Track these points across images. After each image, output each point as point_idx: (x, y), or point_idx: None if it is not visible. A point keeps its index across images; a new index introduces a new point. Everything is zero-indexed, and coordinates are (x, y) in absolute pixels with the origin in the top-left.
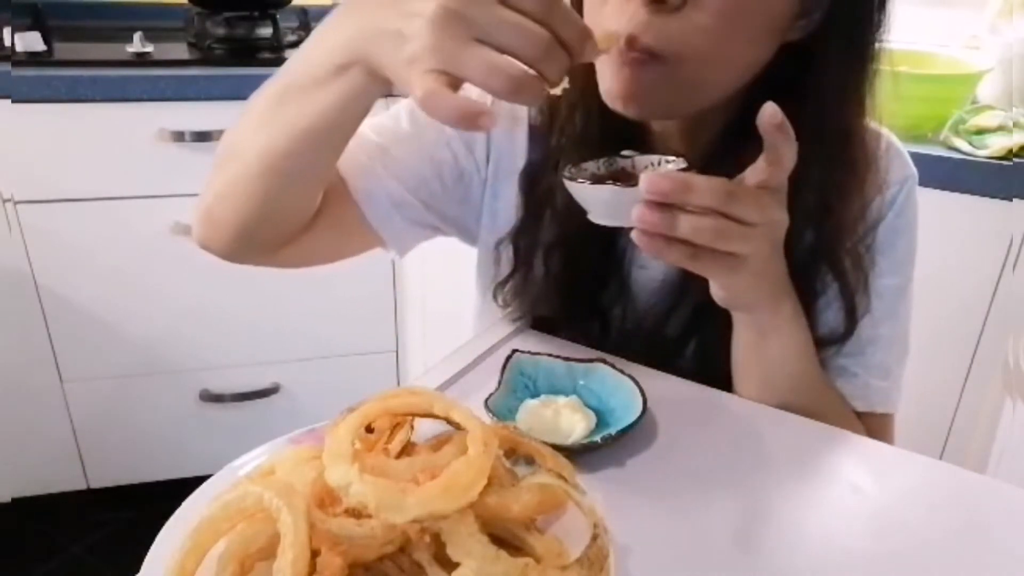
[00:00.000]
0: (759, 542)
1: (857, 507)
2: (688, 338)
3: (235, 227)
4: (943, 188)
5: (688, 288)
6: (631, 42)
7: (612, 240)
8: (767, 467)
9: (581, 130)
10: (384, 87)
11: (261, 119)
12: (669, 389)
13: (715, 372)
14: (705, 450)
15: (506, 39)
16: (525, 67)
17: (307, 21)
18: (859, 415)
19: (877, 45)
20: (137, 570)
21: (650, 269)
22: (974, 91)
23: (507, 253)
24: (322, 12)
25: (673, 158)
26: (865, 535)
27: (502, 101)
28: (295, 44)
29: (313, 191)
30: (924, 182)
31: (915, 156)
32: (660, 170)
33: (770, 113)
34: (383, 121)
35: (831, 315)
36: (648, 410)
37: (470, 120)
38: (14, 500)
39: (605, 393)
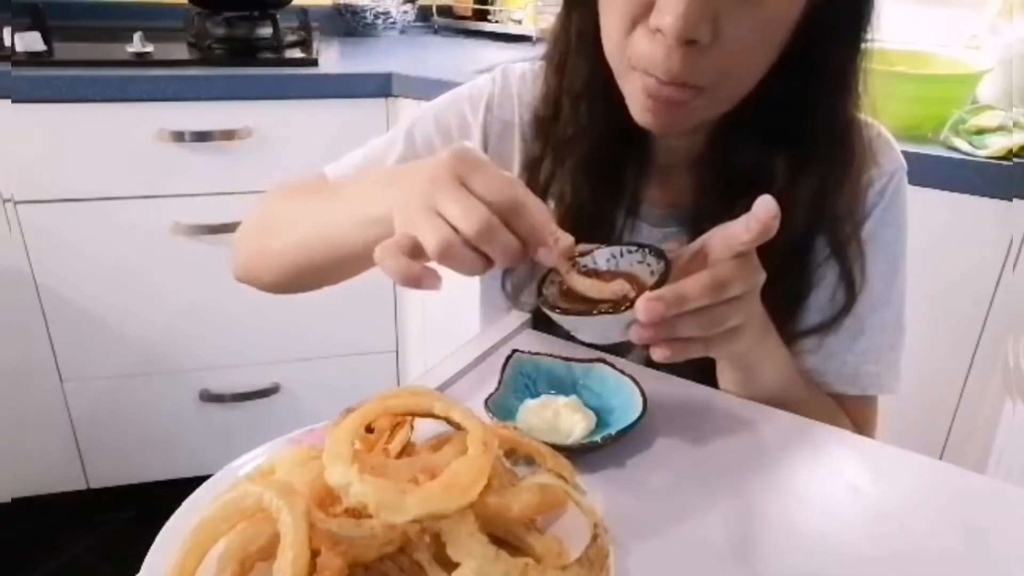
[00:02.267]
0: (759, 542)
1: (857, 507)
2: None
3: (274, 282)
4: (943, 188)
5: None
6: (673, 81)
7: (611, 226)
8: (767, 467)
9: (586, 123)
10: None
11: (305, 221)
12: (669, 389)
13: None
14: (705, 450)
15: (451, 213)
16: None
17: (307, 21)
18: (850, 398)
19: (866, 35)
20: (137, 570)
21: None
22: (974, 91)
23: None
24: (322, 12)
25: (632, 248)
26: (865, 535)
27: (501, 106)
28: (295, 44)
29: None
30: (924, 182)
31: (915, 156)
32: (624, 262)
33: (765, 209)
34: (374, 150)
35: (824, 303)
36: (648, 410)
37: (413, 281)
38: (14, 500)
39: (605, 393)
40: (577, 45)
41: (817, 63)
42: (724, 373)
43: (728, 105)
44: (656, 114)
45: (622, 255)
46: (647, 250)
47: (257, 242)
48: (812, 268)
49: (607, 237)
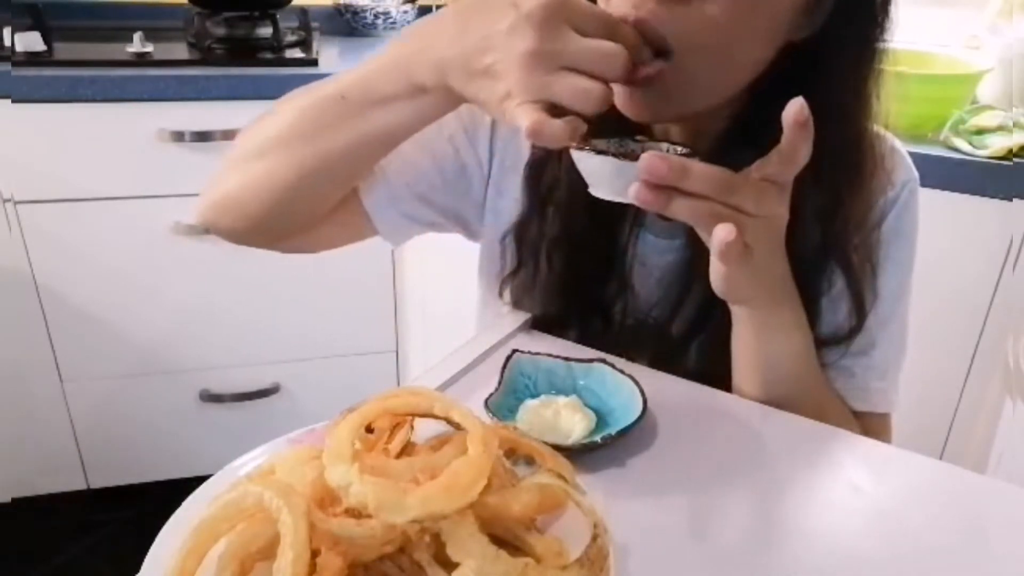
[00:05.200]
0: (759, 542)
1: (857, 507)
2: (693, 335)
3: (254, 216)
4: (943, 188)
5: (692, 285)
6: (640, 26)
7: (615, 236)
8: (767, 467)
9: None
10: (457, 104)
11: (316, 123)
12: (669, 389)
13: (720, 369)
14: (705, 450)
15: (590, 66)
16: (602, 85)
17: (307, 21)
18: (858, 415)
19: (881, 44)
20: (137, 570)
21: (650, 266)
22: (974, 91)
23: (511, 248)
24: (322, 12)
25: (683, 148)
26: (865, 535)
27: None
28: (295, 44)
29: (346, 190)
30: (924, 182)
31: (915, 156)
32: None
33: (797, 110)
34: None
35: (836, 315)
36: (648, 410)
37: (574, 136)
38: (14, 500)
39: (605, 393)
40: None
41: (827, 74)
42: (735, 331)
43: (709, 94)
44: (632, 102)
45: (669, 151)
46: (690, 150)
47: (246, 162)
48: (824, 283)
49: (612, 249)
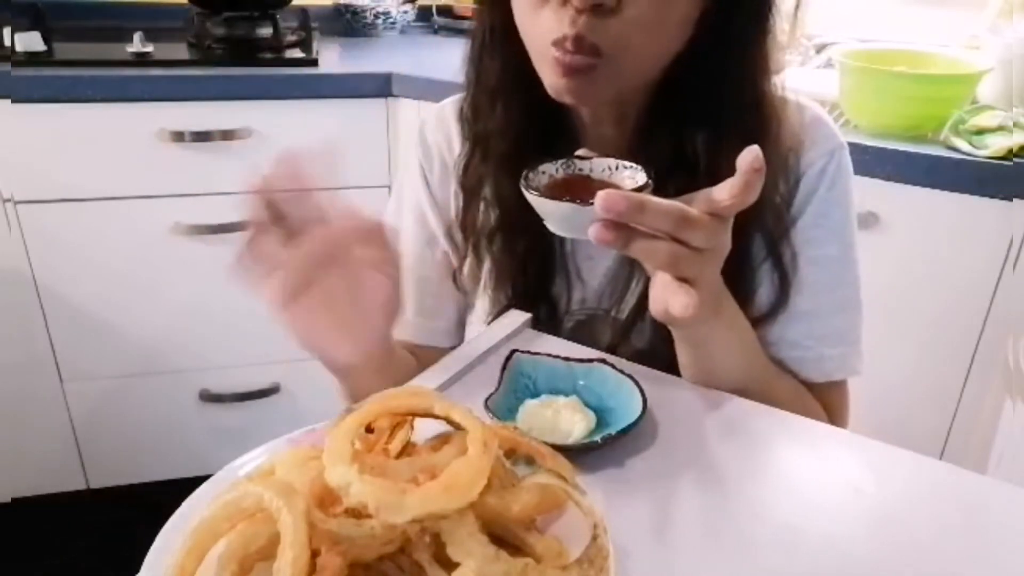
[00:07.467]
0: (759, 543)
1: (857, 507)
2: (639, 316)
3: None
4: (943, 188)
5: (634, 269)
6: (578, 42)
7: (541, 229)
8: (767, 468)
9: (503, 120)
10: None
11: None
12: (669, 389)
13: (667, 349)
14: (705, 450)
15: None
16: None
17: (307, 21)
18: (819, 385)
19: (773, 10)
20: (137, 570)
21: (597, 258)
22: (974, 91)
23: (459, 238)
24: (322, 12)
25: (630, 164)
26: (865, 535)
27: (431, 169)
28: (295, 44)
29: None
30: (924, 182)
31: (915, 156)
32: (617, 176)
33: (751, 159)
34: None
35: (769, 289)
36: (648, 410)
37: None
38: (14, 500)
39: (605, 393)
40: (490, 41)
41: (724, 45)
42: (679, 350)
43: (636, 78)
44: (568, 78)
45: (617, 168)
46: (642, 168)
47: None
48: (756, 258)
49: (538, 240)
